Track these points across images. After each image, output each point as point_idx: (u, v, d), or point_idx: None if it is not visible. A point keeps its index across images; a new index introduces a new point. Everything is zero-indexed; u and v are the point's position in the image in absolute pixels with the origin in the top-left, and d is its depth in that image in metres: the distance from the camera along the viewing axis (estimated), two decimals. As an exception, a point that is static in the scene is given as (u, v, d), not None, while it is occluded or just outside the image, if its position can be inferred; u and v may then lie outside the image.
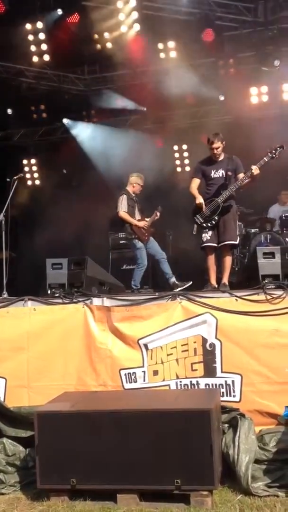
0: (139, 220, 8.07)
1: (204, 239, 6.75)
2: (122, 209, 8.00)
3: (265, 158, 6.72)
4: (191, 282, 7.36)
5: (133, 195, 8.18)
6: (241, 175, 6.73)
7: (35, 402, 5.17)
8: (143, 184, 8.30)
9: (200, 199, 6.82)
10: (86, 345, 5.48)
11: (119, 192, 8.26)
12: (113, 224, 10.32)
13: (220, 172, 6.85)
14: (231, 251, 7.05)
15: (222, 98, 11.79)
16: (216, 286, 6.64)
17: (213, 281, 6.76)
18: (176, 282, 7.49)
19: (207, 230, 6.75)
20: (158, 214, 8.20)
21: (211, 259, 6.83)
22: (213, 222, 6.73)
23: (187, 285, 7.28)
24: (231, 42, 10.76)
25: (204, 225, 6.76)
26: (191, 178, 7.14)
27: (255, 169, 6.60)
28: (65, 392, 5.13)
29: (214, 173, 6.88)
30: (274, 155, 6.73)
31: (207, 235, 6.75)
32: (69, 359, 5.48)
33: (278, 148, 6.76)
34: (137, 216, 8.14)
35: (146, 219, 8.16)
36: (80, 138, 12.96)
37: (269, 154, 6.74)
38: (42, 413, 4.52)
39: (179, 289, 6.98)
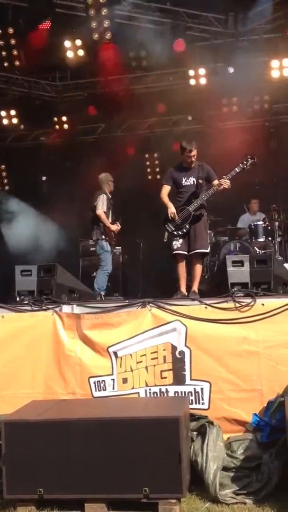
0: (111, 223, 8.06)
1: (175, 247, 6.79)
2: (103, 208, 7.95)
3: (236, 169, 6.83)
4: None
5: (110, 196, 8.20)
6: (215, 182, 6.80)
7: (2, 411, 5.08)
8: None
9: (172, 209, 6.85)
10: (55, 353, 5.43)
11: (96, 192, 8.17)
12: (84, 231, 10.31)
13: (191, 180, 6.91)
14: (201, 260, 7.12)
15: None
16: (186, 293, 6.68)
17: (183, 288, 6.79)
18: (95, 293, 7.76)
19: (178, 238, 6.79)
20: (119, 225, 8.30)
21: (181, 267, 6.87)
22: (184, 230, 6.78)
23: None
24: (202, 53, 10.88)
25: (175, 233, 6.81)
26: (161, 184, 7.14)
27: (223, 182, 6.72)
28: (33, 400, 5.07)
29: (185, 180, 6.93)
30: (245, 166, 6.83)
31: (177, 243, 6.78)
32: (38, 367, 5.42)
33: (250, 159, 6.86)
34: (110, 219, 8.15)
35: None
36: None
37: (240, 165, 6.84)
38: (9, 422, 4.45)
39: None
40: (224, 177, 6.76)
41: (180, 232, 6.79)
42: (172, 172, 7.10)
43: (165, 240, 6.97)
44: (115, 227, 8.09)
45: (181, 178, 6.94)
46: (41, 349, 5.45)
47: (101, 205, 8.01)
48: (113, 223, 8.25)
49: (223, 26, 10.33)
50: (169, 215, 6.86)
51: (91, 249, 10.23)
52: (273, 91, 11.35)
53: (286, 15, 9.90)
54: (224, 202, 8.38)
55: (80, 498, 4.22)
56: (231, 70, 10.32)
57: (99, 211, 7.96)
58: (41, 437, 4.32)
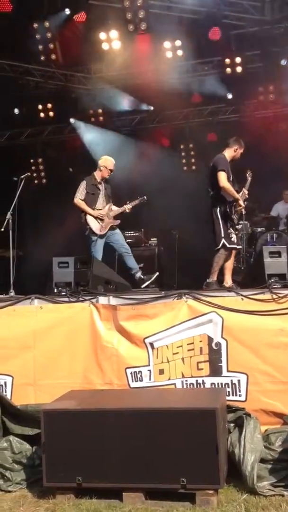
0: (98, 210, 7.61)
1: (235, 241, 6.82)
2: (77, 196, 7.58)
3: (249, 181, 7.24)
4: (157, 273, 7.47)
5: (99, 180, 7.73)
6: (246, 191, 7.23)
7: (41, 400, 5.19)
8: (113, 168, 7.82)
9: (241, 201, 6.86)
10: (92, 343, 5.48)
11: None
12: (119, 223, 10.33)
13: (231, 177, 6.91)
14: None
15: (230, 96, 11.78)
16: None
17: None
18: (142, 277, 7.36)
19: (237, 232, 6.83)
20: (127, 209, 7.73)
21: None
22: (241, 225, 6.90)
23: (154, 277, 7.34)
24: (237, 41, 10.75)
25: (237, 226, 6.85)
26: (221, 170, 6.79)
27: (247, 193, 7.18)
28: (71, 390, 5.15)
29: (230, 176, 6.89)
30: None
31: (236, 237, 6.83)
32: (75, 358, 5.49)
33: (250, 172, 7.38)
34: (100, 204, 7.66)
35: (114, 207, 7.72)
36: (86, 139, 12.91)
37: (249, 178, 7.28)
38: (48, 411, 4.54)
39: (146, 283, 7.12)
40: (245, 190, 7.20)
41: (239, 227, 6.91)
42: (227, 163, 6.91)
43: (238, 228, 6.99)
44: (97, 213, 7.54)
45: (230, 173, 6.87)
46: (79, 340, 5.51)
47: (76, 194, 7.61)
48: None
49: (259, 13, 10.16)
50: (241, 206, 6.86)
51: (127, 240, 10.23)
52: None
53: None
54: (259, 191, 8.34)
55: (118, 487, 4.27)
56: (283, 62, 10.15)
57: (74, 200, 7.58)
58: (80, 426, 4.39)
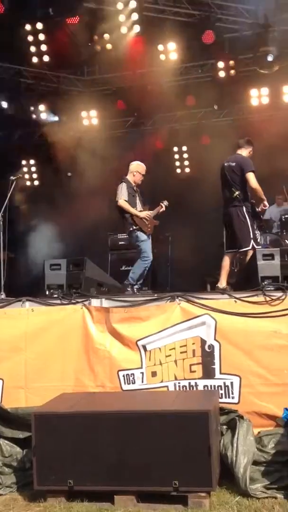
0: (140, 211, 7.62)
1: (259, 241, 6.84)
2: (122, 197, 7.46)
3: None
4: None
5: (133, 184, 7.71)
6: None
7: (32, 403, 5.15)
8: (144, 173, 7.84)
9: (266, 202, 6.82)
10: (84, 346, 5.46)
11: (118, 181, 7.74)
12: (112, 225, 10.31)
13: None
14: None
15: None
16: None
17: None
18: (135, 291, 7.25)
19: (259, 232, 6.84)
20: (164, 206, 7.84)
21: None
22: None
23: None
24: (231, 44, 10.77)
25: (261, 226, 6.87)
26: (251, 171, 6.76)
27: None
28: (63, 393, 5.11)
29: None
30: None
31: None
32: (67, 360, 5.46)
33: None
34: (139, 207, 7.70)
35: (150, 211, 7.77)
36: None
37: None
38: (39, 414, 4.50)
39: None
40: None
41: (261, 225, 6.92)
42: (252, 163, 6.85)
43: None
44: (144, 213, 7.55)
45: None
46: (71, 342, 5.49)
47: (120, 195, 7.47)
48: (152, 209, 7.84)
49: (252, 17, 10.19)
50: (266, 206, 6.88)
51: (120, 243, 10.24)
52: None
53: None
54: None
55: (110, 490, 4.25)
56: (270, 58, 10.11)
57: (120, 202, 7.43)
58: (71, 429, 4.36)
